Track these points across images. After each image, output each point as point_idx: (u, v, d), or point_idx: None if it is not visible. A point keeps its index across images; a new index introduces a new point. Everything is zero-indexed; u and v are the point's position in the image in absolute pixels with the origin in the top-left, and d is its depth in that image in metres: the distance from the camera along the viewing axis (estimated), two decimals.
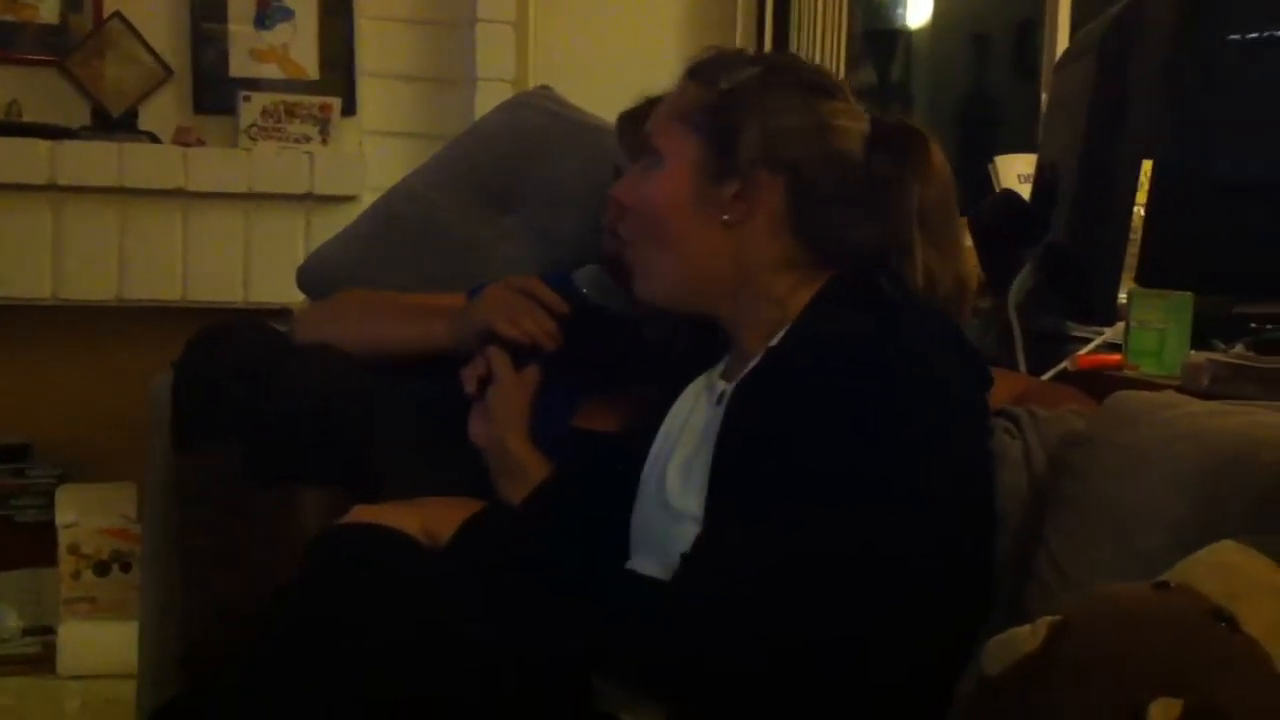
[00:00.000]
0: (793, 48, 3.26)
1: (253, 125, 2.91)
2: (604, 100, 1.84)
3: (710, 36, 3.24)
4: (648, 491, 1.35)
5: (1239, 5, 1.70)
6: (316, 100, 2.96)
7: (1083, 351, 1.65)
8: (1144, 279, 1.65)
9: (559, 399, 1.62)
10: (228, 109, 2.94)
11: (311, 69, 3.04)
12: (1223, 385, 1.38)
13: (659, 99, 1.41)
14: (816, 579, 1.13)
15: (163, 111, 2.94)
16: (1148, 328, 1.54)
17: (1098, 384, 1.49)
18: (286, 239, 2.91)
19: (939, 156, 1.34)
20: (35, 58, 2.88)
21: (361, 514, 1.33)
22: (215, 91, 2.97)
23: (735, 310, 1.32)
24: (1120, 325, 1.62)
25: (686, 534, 1.20)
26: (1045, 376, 1.64)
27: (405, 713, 1.13)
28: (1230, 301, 1.62)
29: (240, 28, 2.99)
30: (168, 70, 2.94)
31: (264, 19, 3.01)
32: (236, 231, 2.91)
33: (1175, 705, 0.79)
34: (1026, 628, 0.88)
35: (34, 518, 2.85)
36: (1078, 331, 1.74)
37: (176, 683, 1.61)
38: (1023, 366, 1.73)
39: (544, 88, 2.20)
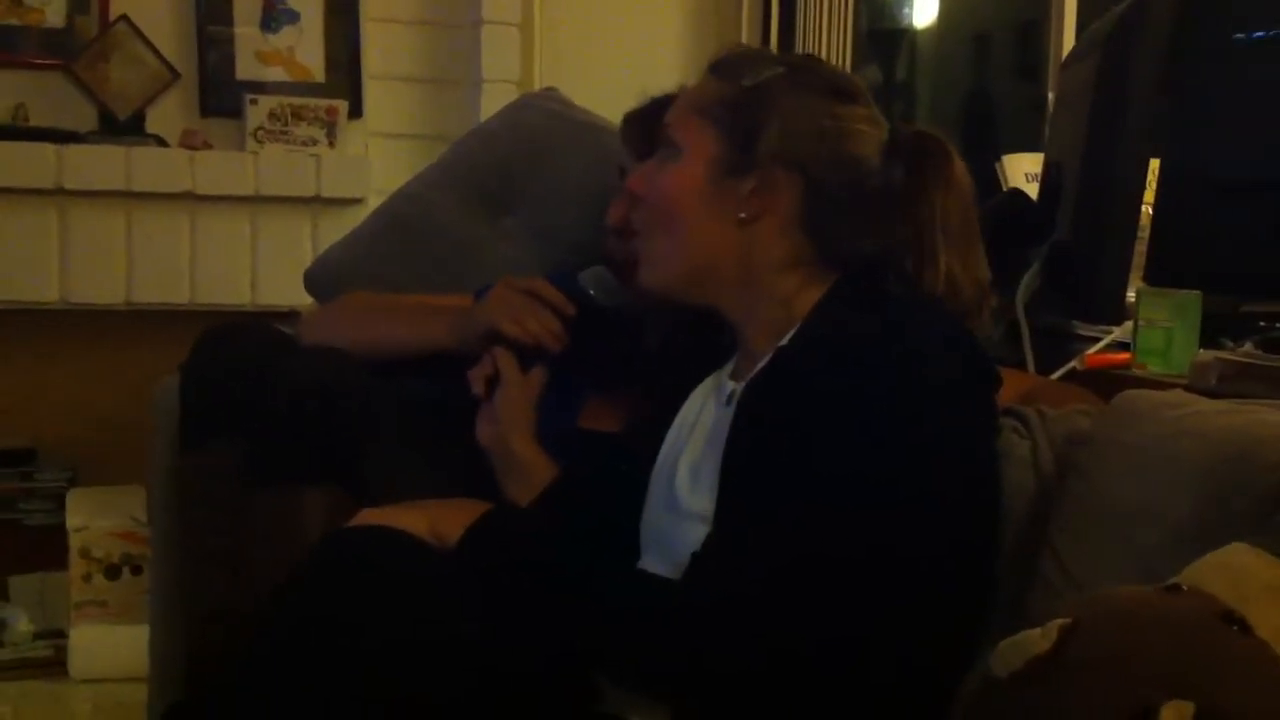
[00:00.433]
0: (797, 48, 3.26)
1: (259, 128, 2.91)
2: (610, 101, 1.84)
3: (716, 37, 3.24)
4: (657, 492, 1.35)
5: (1244, 4, 1.69)
6: (323, 103, 2.96)
7: (1091, 350, 1.65)
8: (1152, 278, 1.65)
9: (565, 399, 1.62)
10: (234, 112, 2.95)
11: (317, 71, 3.05)
12: (1231, 384, 1.38)
13: (664, 98, 1.41)
14: (825, 580, 1.13)
15: (169, 115, 2.95)
16: (1155, 326, 1.54)
17: (1105, 383, 1.49)
18: (293, 241, 2.91)
19: (960, 167, 1.35)
20: (41, 61, 2.88)
21: (369, 516, 1.33)
22: (221, 94, 2.98)
23: (739, 307, 1.32)
24: (1128, 324, 1.62)
25: (696, 534, 1.21)
26: (1054, 375, 1.64)
27: (404, 713, 1.13)
28: (1238, 300, 1.62)
29: (246, 30, 3.00)
30: (174, 73, 2.94)
31: (270, 22, 3.02)
32: (243, 234, 2.92)
33: (1187, 708, 0.78)
34: (1037, 630, 0.88)
35: (43, 521, 2.85)
36: (1085, 330, 1.74)
37: (185, 686, 1.61)
38: (1030, 365, 1.73)
39: (549, 89, 2.20)
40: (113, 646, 2.62)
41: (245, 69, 3.00)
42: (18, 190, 2.76)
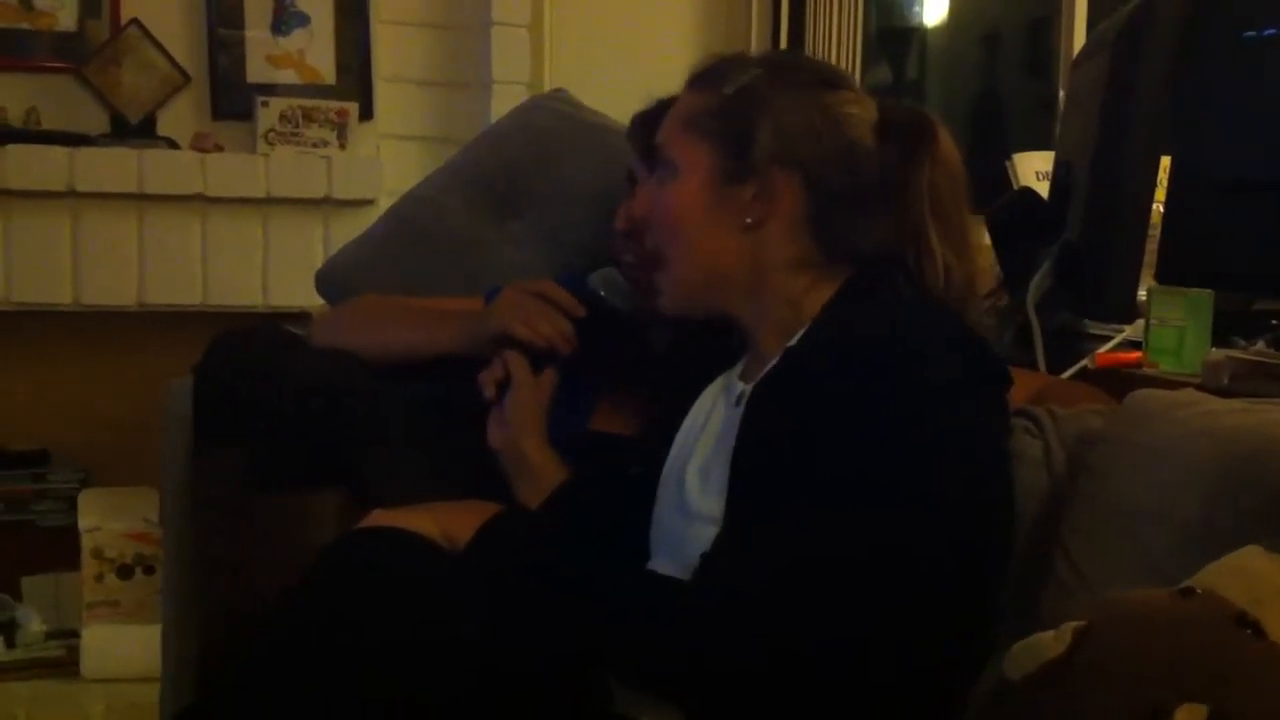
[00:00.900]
0: (808, 47, 3.26)
1: (270, 130, 2.92)
2: (620, 103, 1.84)
3: (726, 37, 3.24)
4: (667, 493, 1.35)
5: (1254, 2, 1.69)
6: (333, 105, 2.97)
7: (1102, 349, 1.64)
8: (1163, 276, 1.65)
9: (576, 402, 1.62)
10: (245, 114, 2.96)
11: (328, 74, 3.05)
12: (1243, 383, 1.38)
13: (670, 100, 1.41)
14: (831, 580, 1.13)
15: (180, 117, 2.95)
16: (1167, 325, 1.53)
17: (1117, 382, 1.49)
18: (305, 243, 2.92)
19: (947, 141, 1.34)
20: (53, 65, 2.89)
21: (380, 518, 1.33)
22: (233, 97, 2.99)
23: (751, 311, 1.32)
24: (1140, 323, 1.61)
25: (706, 536, 1.21)
26: (1065, 375, 1.64)
27: (404, 713, 1.13)
28: (1250, 298, 1.61)
29: (257, 33, 3.01)
30: (185, 76, 2.95)
31: (280, 24, 3.02)
32: (255, 236, 2.92)
33: (1200, 711, 0.78)
34: (1050, 633, 0.87)
35: (56, 522, 2.86)
36: (1096, 329, 1.74)
37: (197, 686, 1.61)
38: (1042, 365, 1.73)
39: (559, 90, 2.20)
40: (125, 646, 2.62)
41: (256, 72, 3.01)
42: (30, 193, 2.77)
